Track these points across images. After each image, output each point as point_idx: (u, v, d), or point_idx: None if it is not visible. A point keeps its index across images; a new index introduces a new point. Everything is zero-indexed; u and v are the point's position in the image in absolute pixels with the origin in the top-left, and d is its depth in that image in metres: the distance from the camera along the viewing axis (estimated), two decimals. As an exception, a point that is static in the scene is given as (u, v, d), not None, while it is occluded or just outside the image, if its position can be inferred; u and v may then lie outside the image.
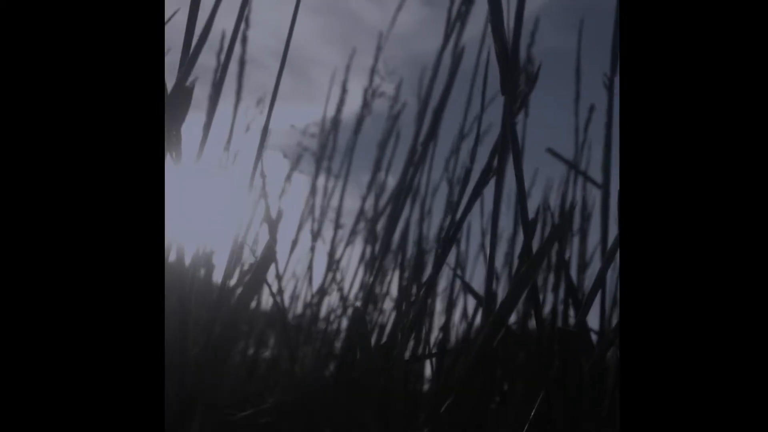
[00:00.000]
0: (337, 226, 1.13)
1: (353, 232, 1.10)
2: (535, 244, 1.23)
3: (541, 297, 0.92)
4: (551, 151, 0.89)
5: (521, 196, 0.49)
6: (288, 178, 1.21)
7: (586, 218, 0.99)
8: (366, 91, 1.13)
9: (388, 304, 0.97)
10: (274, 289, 0.82)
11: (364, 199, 1.11)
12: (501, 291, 0.92)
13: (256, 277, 0.57)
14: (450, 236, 0.56)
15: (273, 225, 0.85)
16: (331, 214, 1.19)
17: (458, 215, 0.57)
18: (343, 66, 1.21)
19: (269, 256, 0.57)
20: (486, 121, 1.27)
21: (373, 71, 1.11)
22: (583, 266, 0.96)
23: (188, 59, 0.47)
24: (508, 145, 0.56)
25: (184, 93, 0.45)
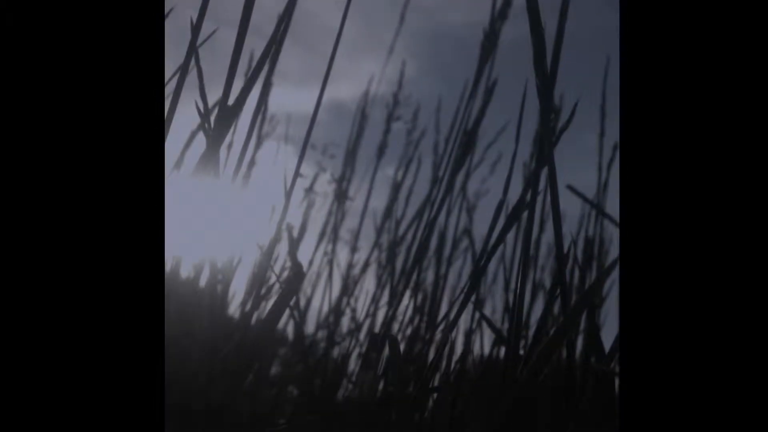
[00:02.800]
0: (354, 249, 1.13)
1: (368, 262, 1.09)
2: (545, 276, 1.22)
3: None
4: (571, 189, 0.89)
5: (557, 232, 0.49)
6: (305, 197, 1.21)
7: (603, 254, 0.99)
8: (388, 116, 1.13)
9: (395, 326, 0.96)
10: (295, 312, 0.81)
11: (380, 229, 1.11)
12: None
13: (281, 302, 0.57)
14: (480, 269, 0.56)
15: (293, 245, 0.85)
16: (346, 236, 1.19)
17: (488, 249, 0.56)
18: (358, 39, 1.18)
19: (296, 281, 0.57)
20: (496, 150, 1.27)
21: (398, 95, 1.12)
22: (599, 302, 0.95)
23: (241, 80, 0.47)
24: (539, 179, 0.56)
25: (228, 113, 0.45)
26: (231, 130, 0.86)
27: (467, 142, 0.71)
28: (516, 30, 0.84)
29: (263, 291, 0.79)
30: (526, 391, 0.38)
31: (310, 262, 1.12)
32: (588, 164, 1.09)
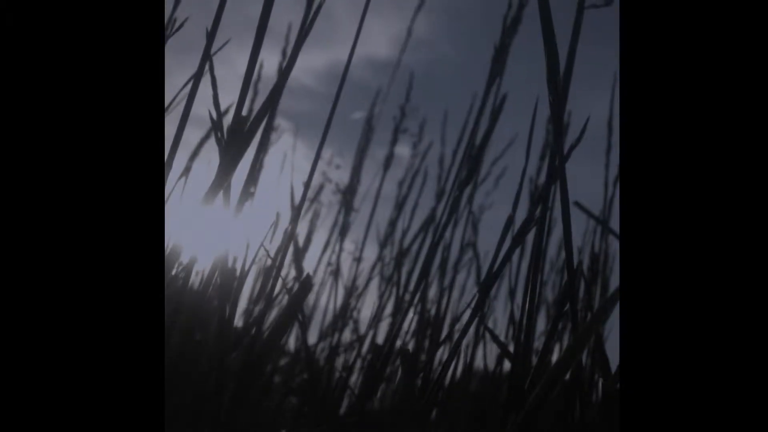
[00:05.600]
0: (359, 259, 1.13)
1: (371, 275, 1.09)
2: (549, 292, 1.21)
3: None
4: (578, 205, 0.89)
5: (568, 249, 0.49)
6: (310, 208, 1.21)
7: (609, 270, 0.99)
8: (394, 130, 1.13)
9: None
10: (300, 317, 0.81)
11: (384, 241, 1.11)
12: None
13: (288, 312, 0.57)
14: (488, 284, 0.56)
15: (299, 255, 0.85)
16: (350, 246, 1.19)
17: (497, 264, 0.56)
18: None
19: (303, 291, 0.57)
20: (502, 164, 1.27)
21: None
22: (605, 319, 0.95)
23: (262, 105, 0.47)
24: (549, 195, 0.57)
25: (242, 138, 0.45)
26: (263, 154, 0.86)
27: (476, 157, 0.71)
28: (523, 44, 0.84)
29: (269, 300, 0.79)
30: (534, 410, 0.38)
31: (314, 272, 1.12)
32: (592, 179, 1.09)
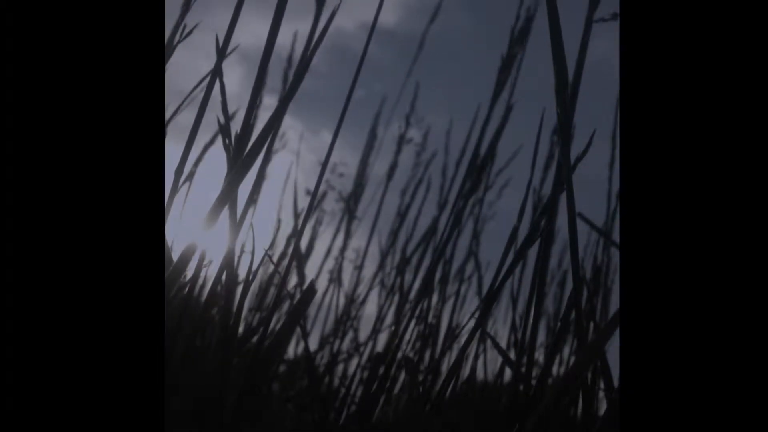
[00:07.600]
0: (361, 267, 1.13)
1: (372, 285, 1.09)
2: (550, 304, 1.21)
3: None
4: (582, 217, 0.89)
5: (574, 261, 0.49)
6: (312, 215, 1.21)
7: (611, 282, 0.99)
8: (399, 138, 1.14)
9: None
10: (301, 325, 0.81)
11: (386, 251, 1.11)
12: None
13: (291, 319, 0.57)
14: (492, 294, 0.56)
15: (301, 261, 0.85)
16: (351, 254, 1.19)
17: (500, 277, 0.56)
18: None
19: (307, 299, 0.57)
20: (507, 174, 1.27)
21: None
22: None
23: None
24: (556, 207, 0.57)
25: (248, 159, 0.44)
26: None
27: (480, 169, 0.71)
28: (529, 54, 0.84)
29: (271, 306, 0.79)
30: (539, 424, 0.38)
31: (316, 279, 1.12)
32: (595, 191, 1.09)
